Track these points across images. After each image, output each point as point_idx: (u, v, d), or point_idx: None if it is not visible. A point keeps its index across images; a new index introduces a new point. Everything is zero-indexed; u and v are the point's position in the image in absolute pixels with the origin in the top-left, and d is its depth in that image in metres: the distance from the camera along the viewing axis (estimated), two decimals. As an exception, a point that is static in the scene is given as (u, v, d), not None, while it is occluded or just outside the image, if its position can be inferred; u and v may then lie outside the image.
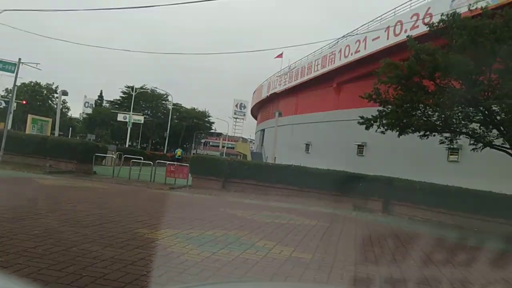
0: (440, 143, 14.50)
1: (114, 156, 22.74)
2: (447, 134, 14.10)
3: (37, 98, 76.60)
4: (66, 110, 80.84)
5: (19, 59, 19.53)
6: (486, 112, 12.64)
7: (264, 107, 53.65)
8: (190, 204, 12.13)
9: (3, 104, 55.20)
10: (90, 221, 7.06)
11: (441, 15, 12.98)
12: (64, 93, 30.87)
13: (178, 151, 37.09)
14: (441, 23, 12.90)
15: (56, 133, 28.30)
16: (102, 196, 11.43)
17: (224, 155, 55.13)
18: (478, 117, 13.03)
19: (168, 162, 20.22)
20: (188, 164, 18.79)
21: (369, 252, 7.27)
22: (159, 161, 21.76)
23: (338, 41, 30.82)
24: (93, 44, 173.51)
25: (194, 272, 4.77)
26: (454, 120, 13.35)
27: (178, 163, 21.10)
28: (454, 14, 12.61)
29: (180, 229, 7.13)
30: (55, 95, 74.54)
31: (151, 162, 19.46)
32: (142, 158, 21.17)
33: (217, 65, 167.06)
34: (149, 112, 71.90)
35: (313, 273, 5.42)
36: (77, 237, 5.74)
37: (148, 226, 7.15)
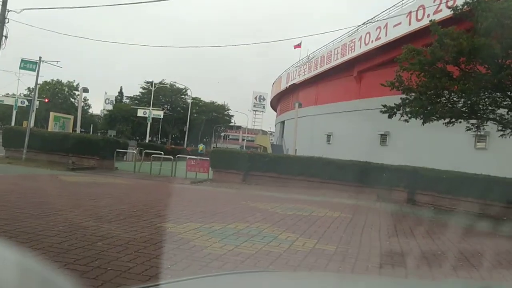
0: (467, 130, 14.11)
1: (135, 152, 22.98)
2: (474, 121, 13.70)
3: (58, 96, 78.16)
4: (87, 107, 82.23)
5: (40, 57, 19.79)
6: (514, 97, 12.22)
7: (283, 98, 53.36)
8: (212, 197, 12.13)
9: (26, 103, 56.61)
10: (114, 216, 7.10)
11: (465, -3, 12.54)
12: (85, 90, 31.24)
13: (200, 146, 37.39)
14: (465, 6, 12.47)
15: (78, 130, 28.80)
16: (124, 191, 11.52)
17: (244, 148, 55.21)
18: (505, 102, 12.60)
19: (188, 157, 20.27)
20: (208, 158, 18.81)
21: (394, 243, 7.11)
22: (179, 155, 21.92)
23: (358, 29, 30.29)
24: (113, 40, 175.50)
25: (217, 265, 4.72)
26: (480, 106, 12.93)
27: (200, 158, 21.19)
28: (478, -4, 12.16)
29: (202, 223, 7.11)
30: (76, 92, 75.87)
31: (171, 157, 19.57)
32: (162, 153, 21.31)
33: (235, 58, 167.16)
34: (168, 106, 72.47)
35: (338, 264, 5.31)
36: (101, 232, 5.76)
37: (170, 220, 7.14)
